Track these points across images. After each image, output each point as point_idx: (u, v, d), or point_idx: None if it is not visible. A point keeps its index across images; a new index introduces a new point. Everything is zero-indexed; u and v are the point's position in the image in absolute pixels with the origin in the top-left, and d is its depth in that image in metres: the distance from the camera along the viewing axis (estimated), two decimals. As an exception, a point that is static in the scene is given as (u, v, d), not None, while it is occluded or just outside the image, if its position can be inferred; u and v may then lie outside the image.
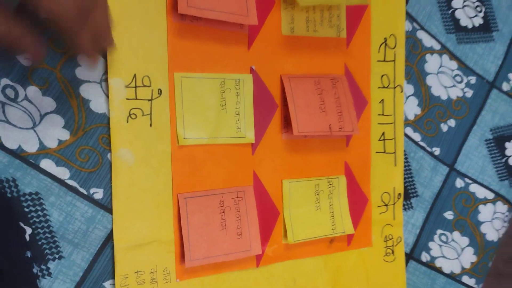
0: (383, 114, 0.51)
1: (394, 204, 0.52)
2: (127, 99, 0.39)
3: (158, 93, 0.40)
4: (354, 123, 0.47)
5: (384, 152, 0.51)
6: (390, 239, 0.52)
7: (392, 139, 0.51)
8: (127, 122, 0.39)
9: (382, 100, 0.51)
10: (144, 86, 0.40)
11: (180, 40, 0.41)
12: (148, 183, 0.40)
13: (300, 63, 0.47)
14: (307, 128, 0.45)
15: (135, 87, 0.39)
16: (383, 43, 0.50)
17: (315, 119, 0.46)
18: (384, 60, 0.50)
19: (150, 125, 0.40)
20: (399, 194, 0.52)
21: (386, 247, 0.52)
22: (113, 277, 0.40)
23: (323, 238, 0.48)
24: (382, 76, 0.51)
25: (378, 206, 0.51)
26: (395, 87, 0.51)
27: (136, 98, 0.40)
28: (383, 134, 0.51)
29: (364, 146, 0.50)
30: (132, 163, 0.40)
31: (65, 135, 0.38)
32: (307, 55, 0.47)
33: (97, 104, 0.39)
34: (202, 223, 0.42)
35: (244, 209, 0.44)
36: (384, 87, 0.51)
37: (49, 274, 0.38)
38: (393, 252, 0.52)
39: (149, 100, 0.40)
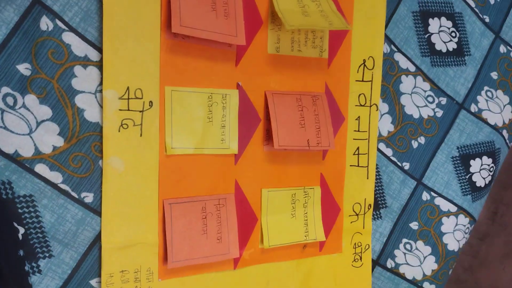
0: (358, 130, 0.54)
1: (364, 214, 0.56)
2: (119, 110, 0.42)
3: (149, 105, 0.43)
4: (331, 139, 0.51)
5: (358, 166, 0.55)
6: (359, 246, 0.56)
7: (365, 153, 0.55)
8: (119, 131, 0.42)
9: (358, 117, 0.54)
10: (136, 98, 0.42)
11: (172, 56, 0.43)
12: (136, 189, 0.43)
13: (283, 81, 0.50)
14: (287, 142, 0.49)
15: (128, 98, 0.42)
16: (362, 64, 0.54)
17: (295, 134, 0.49)
18: (362, 80, 0.54)
19: (141, 135, 0.43)
20: (370, 205, 0.56)
21: (355, 253, 0.56)
22: (99, 276, 0.42)
23: (296, 244, 0.51)
24: (360, 95, 0.54)
25: (350, 215, 0.55)
26: (371, 106, 0.55)
27: (128, 109, 0.42)
28: (357, 149, 0.55)
29: (339, 160, 0.54)
30: (122, 170, 0.42)
31: (60, 142, 0.40)
32: (290, 73, 0.50)
33: (91, 114, 0.41)
34: (185, 227, 0.45)
35: (224, 216, 0.47)
36: (360, 105, 0.54)
37: (39, 271, 0.41)
38: (361, 258, 0.56)
39: (140, 111, 0.43)
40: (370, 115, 0.55)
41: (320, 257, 0.53)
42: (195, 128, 0.45)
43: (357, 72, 0.54)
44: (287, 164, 0.51)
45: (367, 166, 0.55)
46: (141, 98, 0.43)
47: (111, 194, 0.42)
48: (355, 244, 0.55)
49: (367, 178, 0.55)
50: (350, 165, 0.54)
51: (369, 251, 0.56)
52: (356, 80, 0.54)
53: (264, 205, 0.50)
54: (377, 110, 0.55)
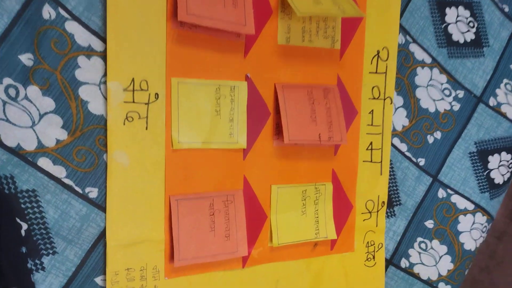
0: (372, 125, 0.52)
1: (377, 211, 0.54)
2: (124, 102, 0.40)
3: (155, 97, 0.42)
4: (343, 133, 0.49)
5: (371, 161, 0.53)
6: (372, 245, 0.54)
7: (379, 149, 0.53)
8: (124, 124, 0.40)
9: (372, 111, 0.52)
10: (142, 90, 0.41)
11: (178, 47, 0.42)
12: (142, 185, 0.42)
13: (294, 72, 0.48)
14: (298, 136, 0.47)
15: (133, 90, 0.41)
16: (375, 55, 0.52)
17: (305, 128, 0.47)
18: (376, 72, 0.52)
19: (146, 128, 0.41)
20: (383, 202, 0.54)
21: (368, 252, 0.54)
22: (104, 273, 0.41)
23: (307, 242, 0.50)
24: (373, 87, 0.52)
25: (362, 213, 0.53)
26: (385, 99, 0.53)
27: (134, 102, 0.41)
28: (370, 143, 0.53)
29: (351, 155, 0.52)
30: (127, 164, 0.41)
31: (63, 135, 0.39)
32: (301, 64, 0.48)
33: (95, 106, 0.40)
34: (192, 225, 0.43)
35: (233, 213, 0.45)
36: (374, 98, 0.52)
37: (43, 269, 0.39)
38: (374, 257, 0.54)
39: (146, 103, 0.41)
40: (384, 108, 0.53)
41: (331, 256, 0.52)
42: (202, 121, 0.44)
43: (371, 64, 0.52)
44: (297, 159, 0.49)
45: (381, 162, 0.53)
46: (147, 90, 0.41)
47: (116, 189, 0.41)
48: (367, 242, 0.54)
49: (381, 174, 0.53)
50: (363, 161, 0.52)
51: (382, 250, 0.54)
52: (370, 72, 0.52)
53: (274, 202, 0.48)
54: (391, 103, 0.53)
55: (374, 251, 0.54)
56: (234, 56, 0.45)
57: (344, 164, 0.52)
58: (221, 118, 0.44)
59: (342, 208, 0.52)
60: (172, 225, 0.43)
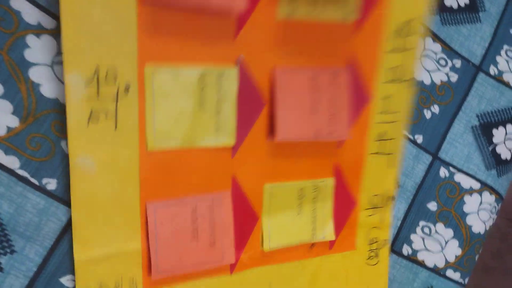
0: (385, 112, 0.46)
1: (383, 207, 0.49)
2: (87, 99, 0.34)
3: (125, 91, 0.36)
4: (347, 127, 0.43)
5: (380, 153, 0.47)
6: (375, 242, 0.49)
7: (390, 139, 0.47)
8: (88, 126, 0.35)
9: (387, 96, 0.46)
10: (108, 83, 0.35)
11: (153, 28, 0.36)
12: (113, 192, 0.36)
13: (296, 55, 0.41)
14: (292, 133, 0.41)
15: (98, 83, 0.35)
16: (398, 29, 0.45)
17: (303, 122, 0.41)
18: (396, 51, 0.45)
19: (115, 128, 0.36)
20: (390, 197, 0.49)
21: (370, 250, 0.49)
22: (71, 273, 0.37)
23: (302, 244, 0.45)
24: (392, 68, 0.46)
25: (366, 209, 0.48)
26: (405, 81, 0.46)
27: (98, 97, 0.35)
28: (382, 134, 0.47)
29: (358, 147, 0.46)
30: (94, 171, 0.36)
31: (14, 122, 0.36)
32: (306, 44, 0.41)
33: (49, 89, 0.36)
34: (172, 233, 0.39)
35: (219, 217, 0.40)
36: (392, 81, 0.46)
37: (1, 269, 0.36)
38: (377, 255, 0.49)
39: (114, 99, 0.36)
40: (402, 93, 0.46)
41: (329, 256, 0.46)
42: (183, 116, 0.38)
43: (391, 40, 0.44)
44: (295, 155, 0.43)
45: (392, 153, 0.47)
46: (115, 82, 0.35)
47: (83, 199, 0.36)
48: (370, 240, 0.48)
49: (390, 167, 0.48)
50: (371, 153, 0.47)
51: (386, 247, 0.49)
52: (389, 51, 0.45)
53: (266, 202, 0.43)
54: (412, 86, 0.47)
55: (377, 248, 0.49)
56: (221, 37, 0.38)
57: (350, 157, 0.46)
58: (205, 111, 0.38)
59: (344, 205, 0.46)
60: (149, 235, 0.38)
